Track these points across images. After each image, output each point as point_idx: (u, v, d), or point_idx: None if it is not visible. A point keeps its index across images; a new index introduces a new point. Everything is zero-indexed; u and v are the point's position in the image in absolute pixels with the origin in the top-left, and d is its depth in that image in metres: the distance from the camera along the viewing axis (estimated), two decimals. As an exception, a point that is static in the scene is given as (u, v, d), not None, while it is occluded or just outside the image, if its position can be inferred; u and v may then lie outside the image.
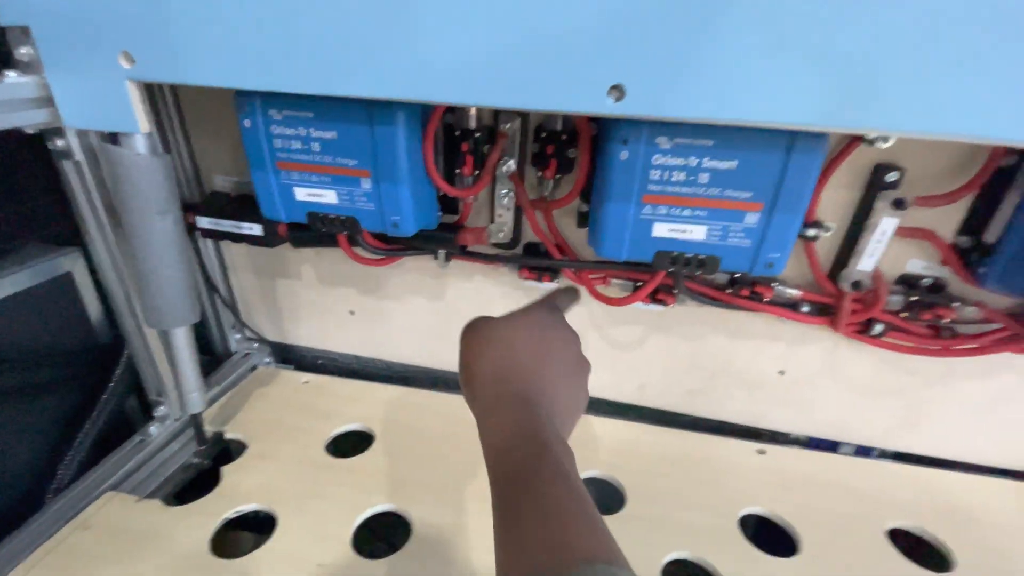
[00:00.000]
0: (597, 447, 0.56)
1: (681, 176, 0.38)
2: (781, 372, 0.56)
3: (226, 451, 0.57)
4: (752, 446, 0.58)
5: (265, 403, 0.62)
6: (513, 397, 0.31)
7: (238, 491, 0.50)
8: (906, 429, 0.56)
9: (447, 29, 0.29)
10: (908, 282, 0.47)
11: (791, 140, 0.35)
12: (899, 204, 0.41)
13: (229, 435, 0.57)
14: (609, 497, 0.52)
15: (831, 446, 0.62)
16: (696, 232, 0.40)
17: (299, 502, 0.49)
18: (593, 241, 0.43)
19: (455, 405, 0.62)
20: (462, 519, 0.48)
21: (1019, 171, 0.40)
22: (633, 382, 0.61)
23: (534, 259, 0.52)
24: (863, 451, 0.62)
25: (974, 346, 0.47)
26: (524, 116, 0.46)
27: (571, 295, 0.42)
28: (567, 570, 0.22)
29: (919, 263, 0.47)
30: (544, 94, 0.30)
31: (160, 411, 0.58)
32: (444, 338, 0.64)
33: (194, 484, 0.53)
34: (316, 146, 0.43)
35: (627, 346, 0.59)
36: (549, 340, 0.35)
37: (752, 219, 0.39)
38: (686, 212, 0.40)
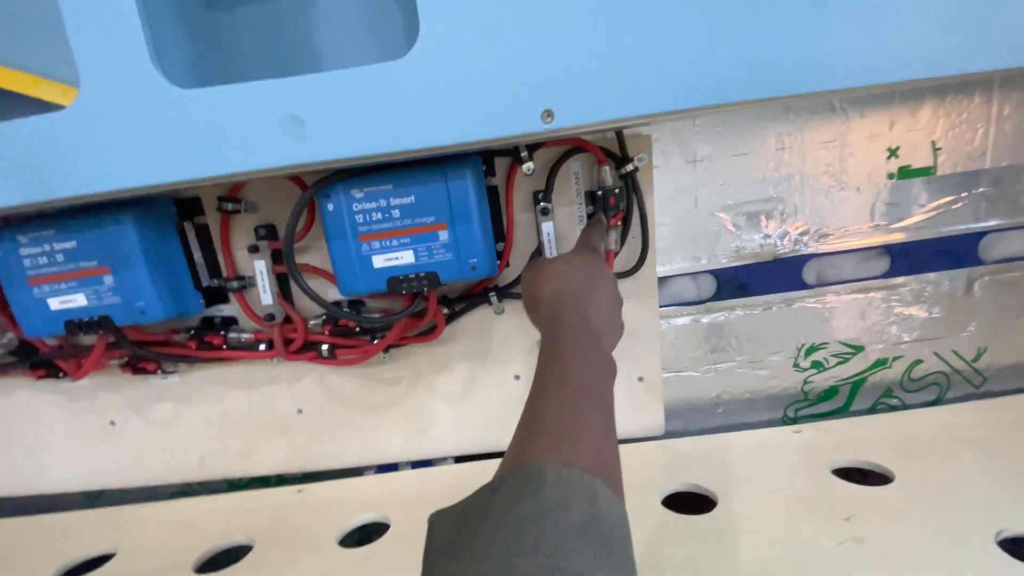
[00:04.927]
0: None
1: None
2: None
3: None
4: (293, 489, 0.62)
5: None
6: (568, 317, 0.40)
7: None
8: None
9: None
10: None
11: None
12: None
13: None
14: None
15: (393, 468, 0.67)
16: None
17: None
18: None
19: None
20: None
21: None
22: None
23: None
24: (422, 463, 0.68)
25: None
26: None
27: (599, 227, 0.52)
28: (507, 471, 0.27)
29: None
30: None
31: None
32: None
33: None
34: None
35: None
36: (594, 276, 0.45)
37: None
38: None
